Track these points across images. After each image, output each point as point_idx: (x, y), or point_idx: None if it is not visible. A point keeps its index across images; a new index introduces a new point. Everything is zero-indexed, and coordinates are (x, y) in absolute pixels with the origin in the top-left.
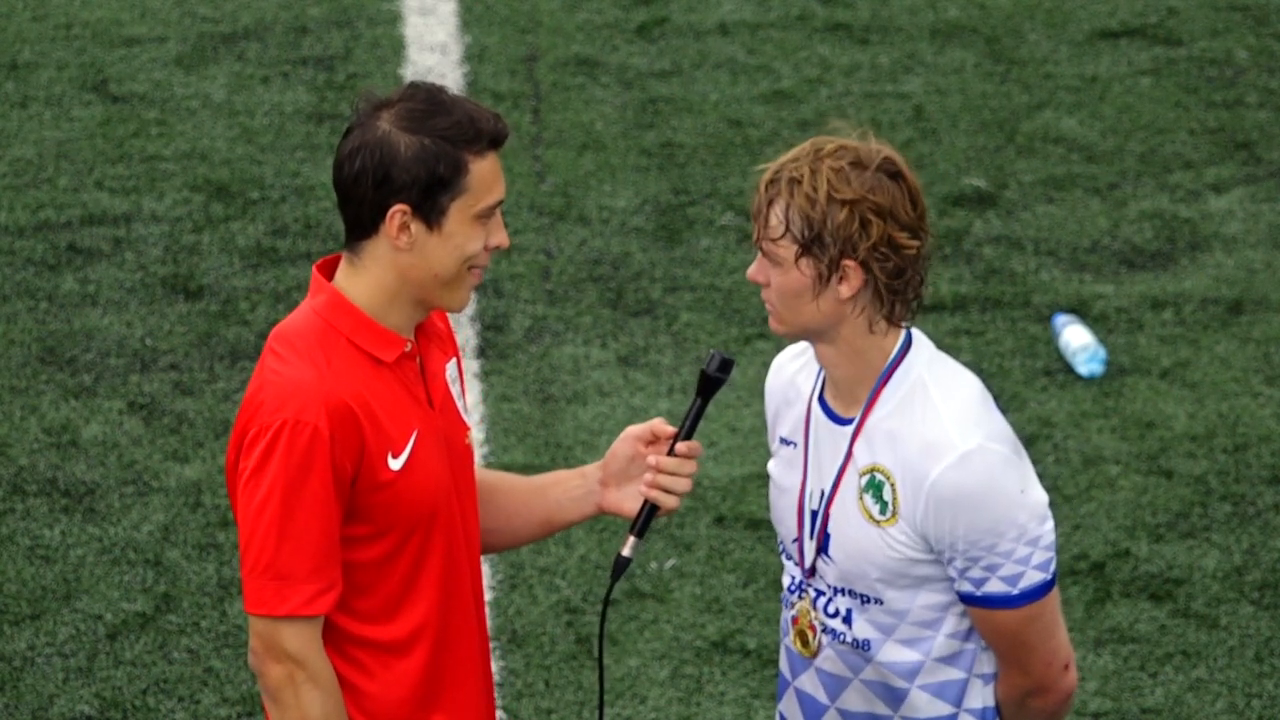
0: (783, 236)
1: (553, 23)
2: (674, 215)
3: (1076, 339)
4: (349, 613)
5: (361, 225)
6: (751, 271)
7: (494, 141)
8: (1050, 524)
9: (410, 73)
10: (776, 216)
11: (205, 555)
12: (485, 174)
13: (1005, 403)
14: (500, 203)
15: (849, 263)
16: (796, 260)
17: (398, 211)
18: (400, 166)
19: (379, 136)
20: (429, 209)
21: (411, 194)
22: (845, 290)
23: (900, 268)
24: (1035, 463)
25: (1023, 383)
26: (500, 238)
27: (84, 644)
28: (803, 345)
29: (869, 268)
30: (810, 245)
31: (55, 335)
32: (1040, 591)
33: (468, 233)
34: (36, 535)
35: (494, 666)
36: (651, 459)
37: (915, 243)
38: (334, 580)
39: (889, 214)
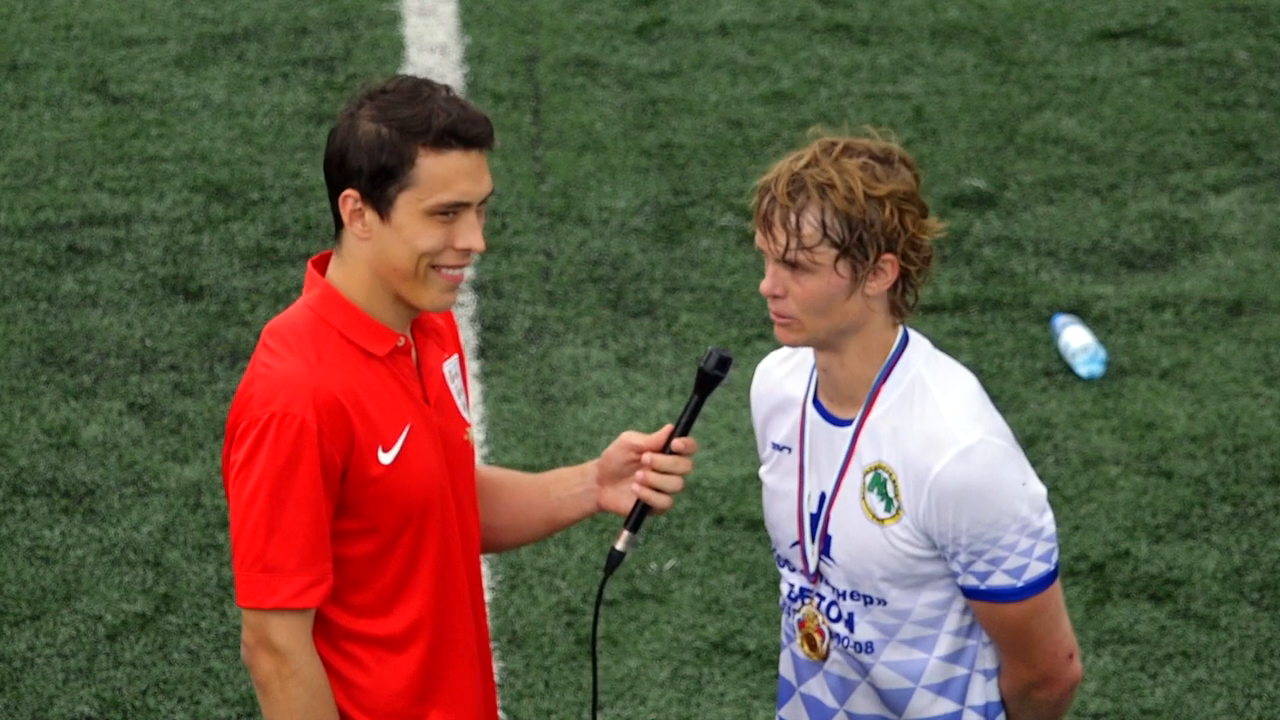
0: (820, 243)
1: (553, 23)
2: (674, 216)
3: (1076, 340)
4: (343, 607)
5: (336, 213)
6: (767, 286)
7: (455, 139)
8: (1050, 515)
9: (410, 73)
10: (810, 224)
11: (205, 556)
12: (438, 170)
13: (1005, 403)
14: (459, 204)
15: (888, 257)
16: (835, 264)
17: (348, 196)
18: (353, 152)
19: (349, 123)
20: (377, 198)
21: (360, 180)
22: (877, 286)
23: (927, 255)
24: (1035, 463)
25: (1023, 383)
26: (469, 240)
27: (84, 644)
28: (790, 350)
29: (906, 259)
30: (850, 247)
31: (55, 336)
32: (1044, 583)
33: (417, 228)
34: (36, 536)
35: (494, 667)
36: (645, 457)
37: (940, 225)
38: (324, 573)
39: (917, 202)
